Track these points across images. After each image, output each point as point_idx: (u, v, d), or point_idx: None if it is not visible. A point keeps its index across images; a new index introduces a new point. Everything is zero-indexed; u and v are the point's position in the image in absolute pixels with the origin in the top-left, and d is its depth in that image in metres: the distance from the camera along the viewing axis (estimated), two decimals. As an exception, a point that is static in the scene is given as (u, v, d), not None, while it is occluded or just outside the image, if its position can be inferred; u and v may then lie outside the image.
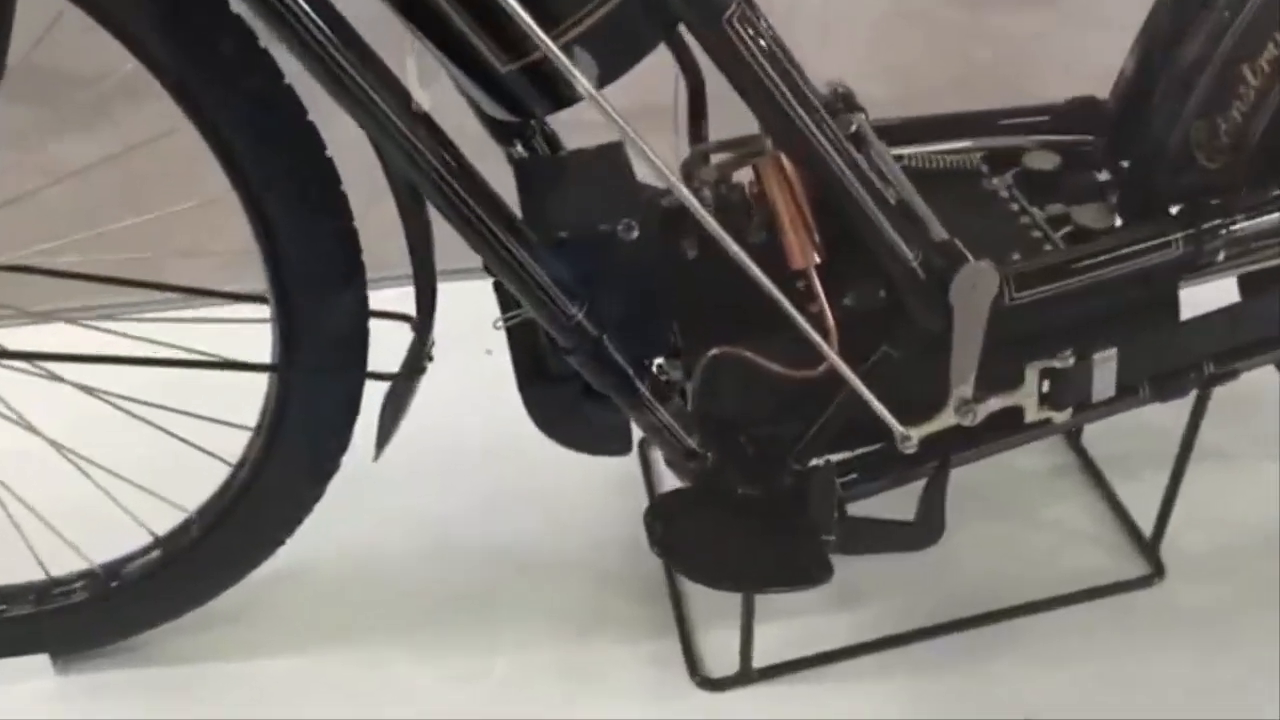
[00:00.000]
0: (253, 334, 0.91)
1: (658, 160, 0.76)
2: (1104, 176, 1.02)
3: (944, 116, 1.07)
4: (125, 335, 0.96)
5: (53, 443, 0.97)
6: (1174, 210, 0.94)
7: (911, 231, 0.85)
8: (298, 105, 0.81)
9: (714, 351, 0.89)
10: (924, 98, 1.21)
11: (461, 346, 1.07)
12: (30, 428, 0.96)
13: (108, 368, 0.90)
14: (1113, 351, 0.91)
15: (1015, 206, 0.99)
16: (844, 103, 0.99)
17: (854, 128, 0.90)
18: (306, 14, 0.70)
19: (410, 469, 1.12)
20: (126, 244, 0.94)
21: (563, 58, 0.71)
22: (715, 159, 0.95)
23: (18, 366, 0.90)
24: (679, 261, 0.90)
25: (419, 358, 0.93)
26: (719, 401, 0.91)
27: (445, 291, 0.90)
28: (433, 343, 0.93)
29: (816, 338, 0.84)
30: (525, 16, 0.69)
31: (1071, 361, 0.90)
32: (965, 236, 0.89)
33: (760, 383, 0.89)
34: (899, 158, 1.00)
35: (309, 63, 0.71)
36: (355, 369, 0.91)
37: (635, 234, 0.84)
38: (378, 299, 0.91)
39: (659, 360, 0.93)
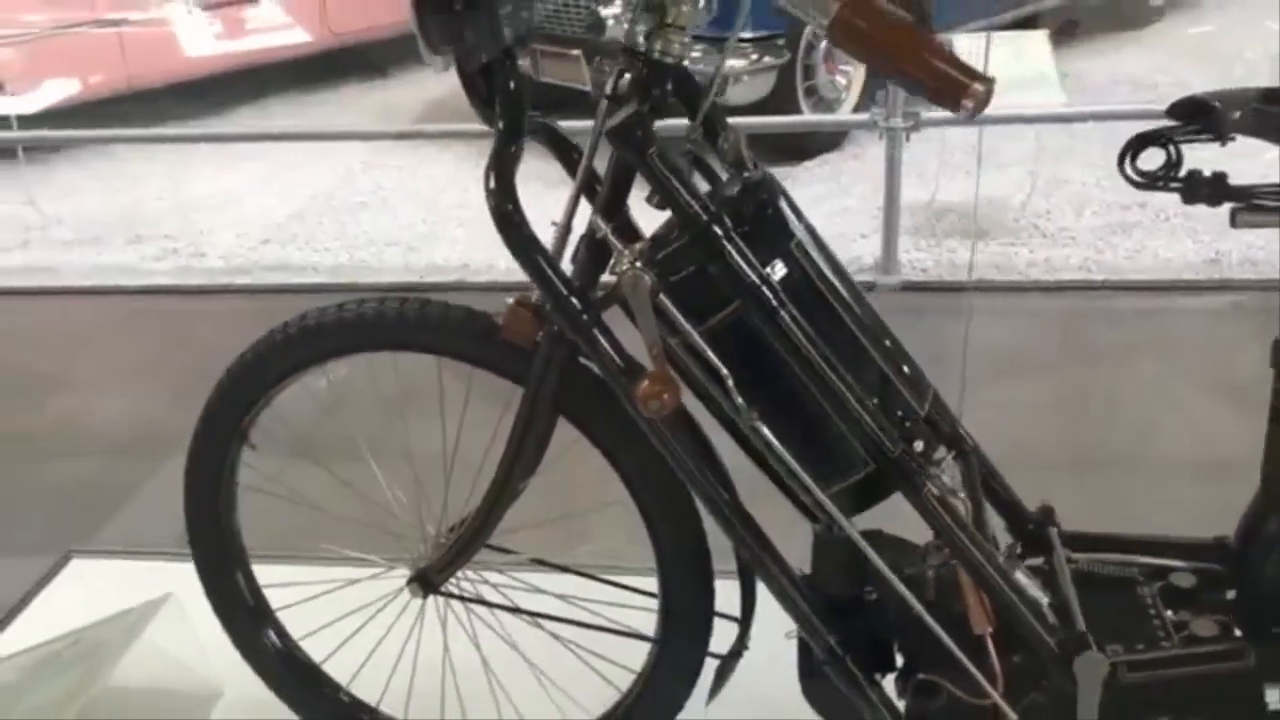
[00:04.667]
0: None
1: (892, 576, 1.31)
2: (1231, 595, 1.45)
3: (1118, 536, 1.54)
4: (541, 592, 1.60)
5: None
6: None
7: (1055, 626, 1.33)
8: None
9: (921, 675, 1.40)
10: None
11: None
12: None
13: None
14: (1202, 722, 1.33)
15: (1154, 612, 1.43)
16: (1046, 516, 1.50)
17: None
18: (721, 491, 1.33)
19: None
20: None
21: (830, 504, 1.29)
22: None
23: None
24: (909, 613, 1.42)
25: (741, 644, 1.49)
26: (922, 711, 1.41)
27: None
28: (750, 636, 1.50)
29: (985, 683, 1.33)
30: (817, 492, 1.28)
31: (1170, 730, 1.33)
32: (1112, 628, 1.35)
33: (951, 706, 1.38)
34: (1073, 560, 1.48)
35: (709, 508, 1.34)
36: (703, 647, 1.50)
37: (875, 597, 1.39)
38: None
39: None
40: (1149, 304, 3.52)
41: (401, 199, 4.50)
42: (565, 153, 1.41)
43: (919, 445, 1.30)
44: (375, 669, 1.66)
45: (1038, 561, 1.51)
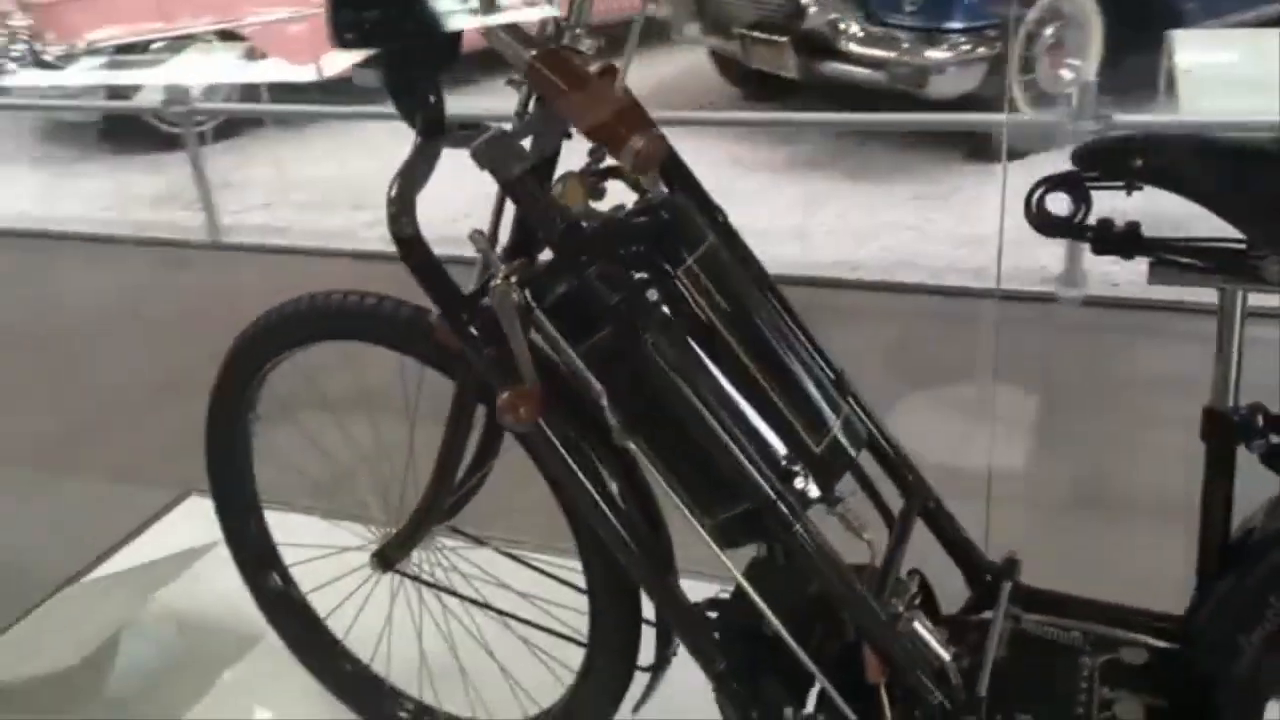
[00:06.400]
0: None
1: (772, 617, 1.28)
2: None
3: (1082, 599, 1.42)
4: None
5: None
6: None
7: (956, 686, 1.26)
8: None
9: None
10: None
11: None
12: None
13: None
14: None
15: (1085, 686, 1.32)
16: (1006, 569, 1.42)
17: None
18: None
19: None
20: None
21: (705, 533, 1.27)
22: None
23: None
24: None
25: (664, 656, 1.49)
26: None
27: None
28: (675, 650, 1.49)
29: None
30: (690, 517, 1.27)
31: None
32: (1030, 697, 1.27)
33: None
34: (1017, 619, 1.39)
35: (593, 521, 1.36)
36: (631, 662, 1.51)
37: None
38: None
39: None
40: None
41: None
42: None
43: (799, 484, 1.24)
44: (366, 628, 1.78)
45: (987, 616, 1.42)
